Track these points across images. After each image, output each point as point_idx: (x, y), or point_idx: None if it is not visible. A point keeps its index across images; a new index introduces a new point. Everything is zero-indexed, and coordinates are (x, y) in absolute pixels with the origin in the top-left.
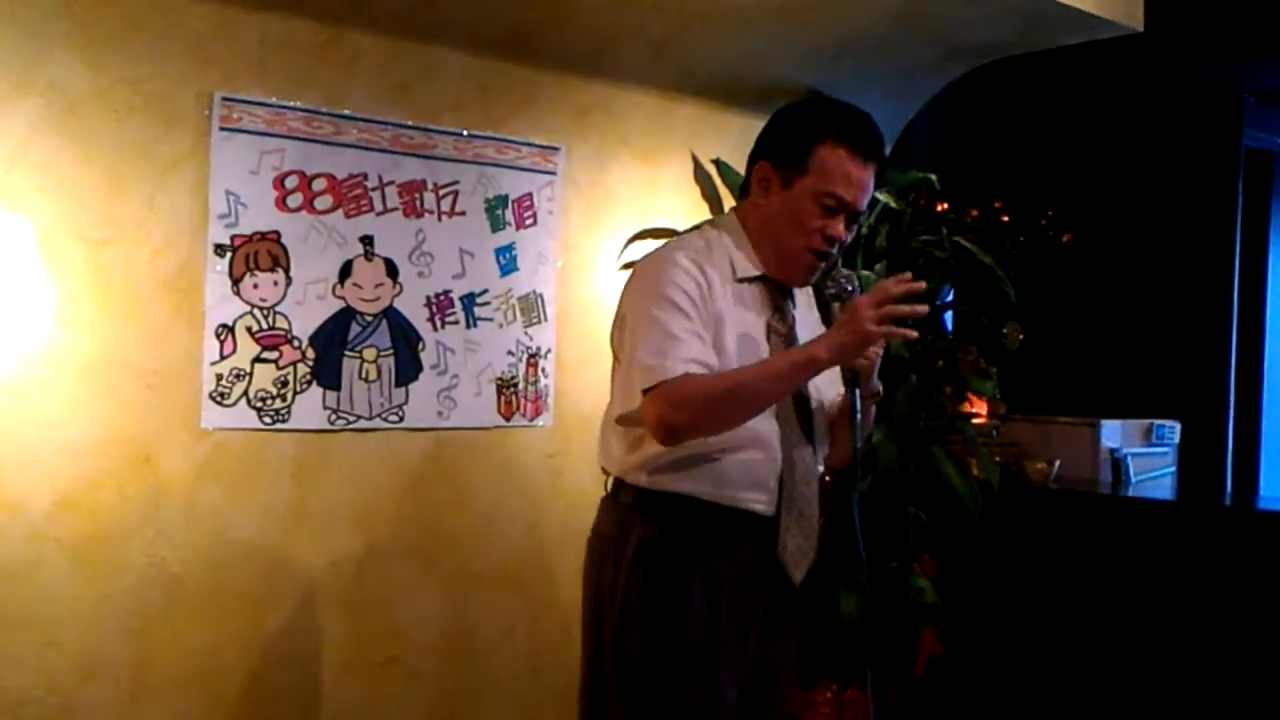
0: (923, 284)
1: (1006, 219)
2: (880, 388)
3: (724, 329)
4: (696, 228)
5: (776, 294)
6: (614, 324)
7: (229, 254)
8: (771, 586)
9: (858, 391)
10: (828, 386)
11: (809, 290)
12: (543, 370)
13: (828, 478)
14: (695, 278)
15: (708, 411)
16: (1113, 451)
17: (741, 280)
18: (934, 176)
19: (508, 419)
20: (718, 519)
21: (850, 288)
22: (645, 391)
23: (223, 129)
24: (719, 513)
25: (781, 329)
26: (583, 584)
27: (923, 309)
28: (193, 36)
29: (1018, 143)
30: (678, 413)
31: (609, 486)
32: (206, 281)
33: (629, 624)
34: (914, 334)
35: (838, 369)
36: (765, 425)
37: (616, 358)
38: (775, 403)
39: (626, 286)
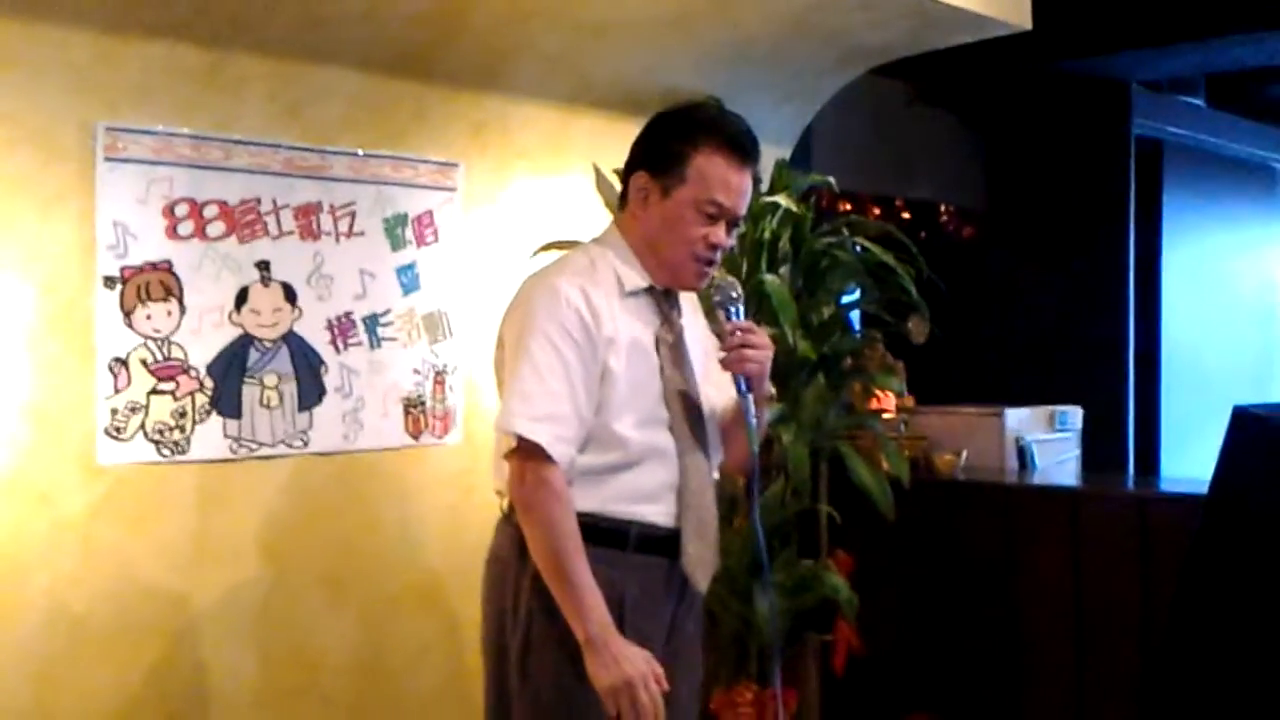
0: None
1: (908, 216)
2: (772, 391)
3: (617, 349)
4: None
5: (663, 303)
6: (496, 346)
7: (119, 286)
8: (676, 596)
9: (750, 397)
10: (718, 393)
11: (694, 296)
12: (450, 387)
13: (740, 481)
14: (578, 309)
15: (535, 537)
16: (1018, 439)
17: (629, 294)
18: (833, 180)
19: (416, 438)
20: (616, 535)
21: (734, 295)
22: (512, 446)
23: (108, 159)
24: (618, 528)
25: (669, 338)
26: (482, 608)
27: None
28: (73, 67)
29: (918, 142)
30: (526, 512)
31: (505, 508)
32: (97, 315)
33: (533, 647)
34: None
35: (729, 374)
36: (661, 438)
37: (501, 380)
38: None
39: (510, 308)
